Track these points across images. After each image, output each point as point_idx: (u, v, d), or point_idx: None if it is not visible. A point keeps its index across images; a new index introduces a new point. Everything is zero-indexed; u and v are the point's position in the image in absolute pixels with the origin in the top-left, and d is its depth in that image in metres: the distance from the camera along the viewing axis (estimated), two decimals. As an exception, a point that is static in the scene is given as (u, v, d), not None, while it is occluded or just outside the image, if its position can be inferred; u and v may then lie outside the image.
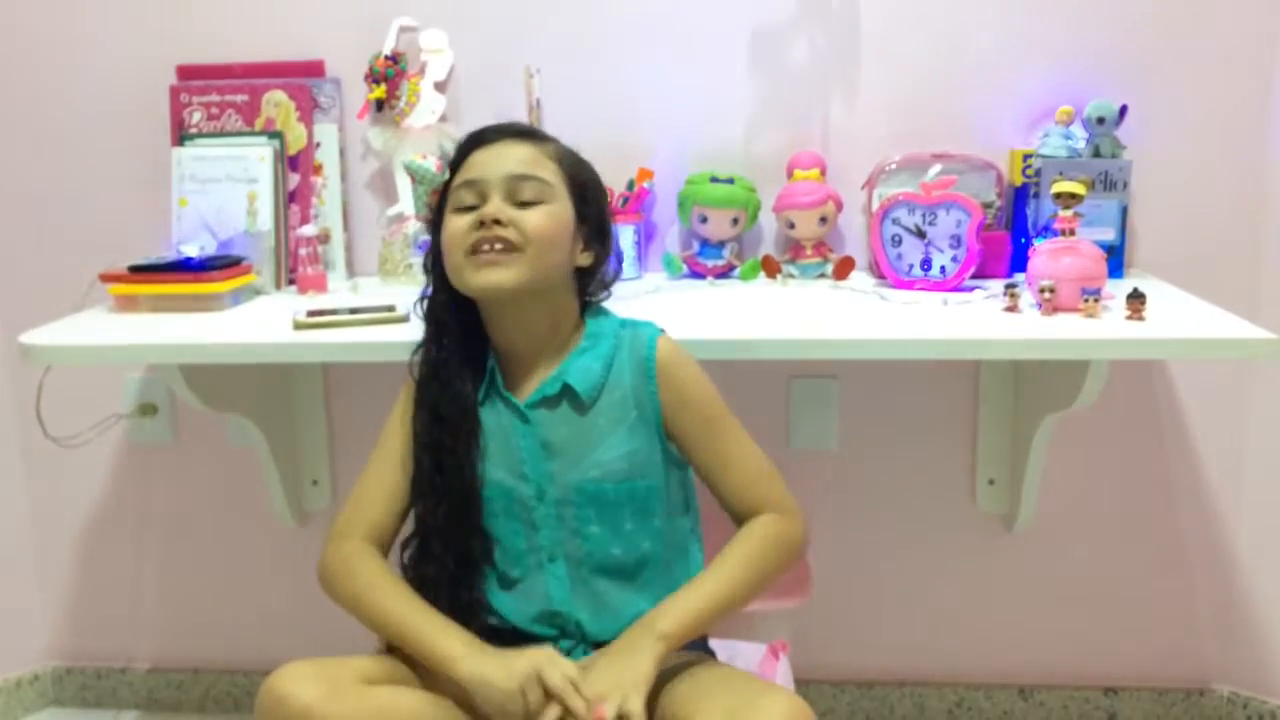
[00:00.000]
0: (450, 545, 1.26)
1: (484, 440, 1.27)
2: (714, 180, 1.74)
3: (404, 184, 1.78)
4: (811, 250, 1.74)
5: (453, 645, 1.18)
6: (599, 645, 1.26)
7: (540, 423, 1.26)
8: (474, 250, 1.22)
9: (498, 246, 1.21)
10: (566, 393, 1.26)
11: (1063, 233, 1.48)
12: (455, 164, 1.29)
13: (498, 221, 1.21)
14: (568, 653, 1.25)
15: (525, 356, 1.29)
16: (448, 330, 1.29)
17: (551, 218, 1.24)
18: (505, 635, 1.27)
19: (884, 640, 1.95)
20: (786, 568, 1.29)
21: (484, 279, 1.22)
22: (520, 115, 1.64)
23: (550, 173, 1.26)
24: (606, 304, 1.35)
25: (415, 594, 1.24)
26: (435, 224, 1.29)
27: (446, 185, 1.29)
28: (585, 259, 1.30)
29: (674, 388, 1.28)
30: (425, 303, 1.32)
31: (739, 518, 1.30)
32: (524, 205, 1.24)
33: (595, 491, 1.25)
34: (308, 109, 1.80)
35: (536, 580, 1.27)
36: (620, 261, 1.42)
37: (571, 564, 1.27)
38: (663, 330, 1.31)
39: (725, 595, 1.22)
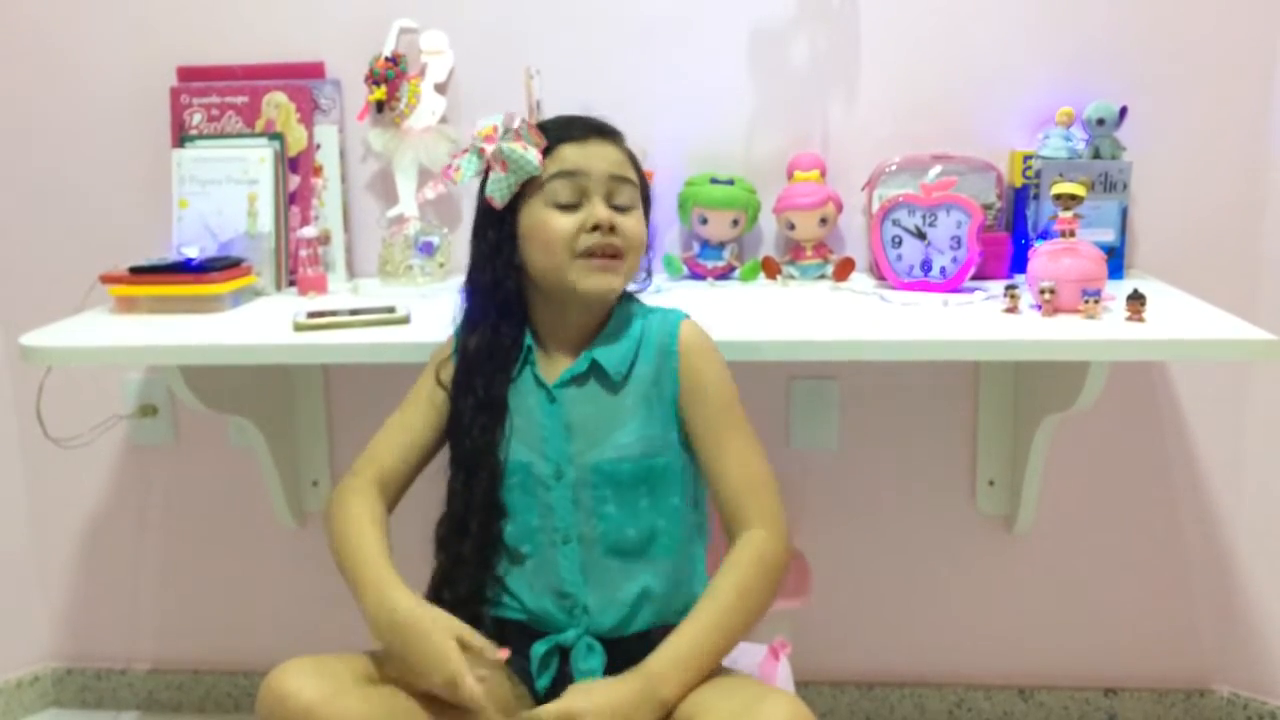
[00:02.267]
0: (479, 523, 1.28)
1: (509, 418, 1.29)
2: (714, 181, 1.74)
3: (404, 185, 1.79)
4: (811, 251, 1.74)
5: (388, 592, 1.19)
6: (600, 636, 1.26)
7: (566, 402, 1.28)
8: (585, 254, 1.25)
9: (609, 252, 1.25)
10: (595, 371, 1.28)
11: (1063, 234, 1.48)
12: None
13: (612, 228, 1.25)
14: (572, 643, 1.26)
15: (563, 338, 1.31)
16: (509, 317, 1.30)
17: (642, 223, 1.30)
18: (512, 626, 1.28)
19: (884, 640, 1.95)
20: (773, 594, 1.27)
21: (597, 284, 1.26)
22: (521, 116, 1.64)
23: (634, 176, 1.30)
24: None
25: (381, 538, 1.25)
26: (496, 212, 1.29)
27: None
28: None
29: (693, 370, 1.30)
30: (485, 288, 1.31)
31: (728, 519, 1.29)
32: (618, 208, 1.27)
33: (612, 471, 1.26)
34: (308, 110, 1.80)
35: (547, 559, 1.28)
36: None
37: (585, 545, 1.27)
38: (687, 315, 1.34)
39: (724, 644, 1.21)
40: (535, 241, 1.27)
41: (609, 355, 1.29)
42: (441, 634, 1.14)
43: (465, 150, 1.33)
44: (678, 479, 1.30)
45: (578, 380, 1.29)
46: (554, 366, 1.31)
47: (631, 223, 1.28)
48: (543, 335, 1.32)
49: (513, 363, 1.30)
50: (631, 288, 1.36)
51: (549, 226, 1.26)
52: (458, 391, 1.31)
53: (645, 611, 1.27)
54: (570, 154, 1.27)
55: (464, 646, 1.14)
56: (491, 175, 1.29)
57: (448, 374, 1.33)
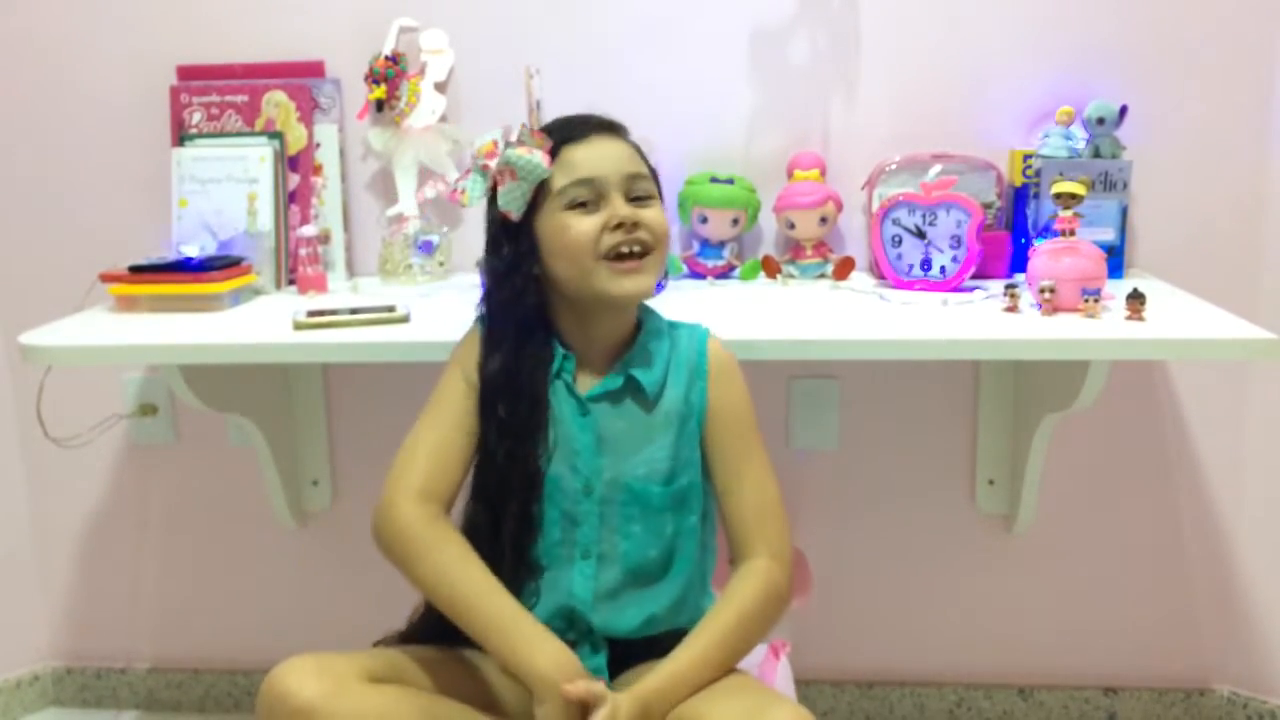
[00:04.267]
0: (510, 537, 1.24)
1: (549, 430, 1.26)
2: (714, 181, 1.74)
3: (404, 184, 1.79)
4: (811, 250, 1.74)
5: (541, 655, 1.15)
6: (608, 638, 1.26)
7: (599, 416, 1.26)
8: (612, 256, 1.21)
9: (636, 249, 1.22)
10: (631, 387, 1.26)
11: (1063, 233, 1.48)
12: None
13: (636, 224, 1.21)
14: (575, 647, 1.25)
15: (593, 350, 1.28)
16: (531, 334, 1.26)
17: (663, 214, 1.26)
18: None
19: (884, 640, 1.95)
20: (774, 624, 1.26)
21: (629, 287, 1.22)
22: (520, 115, 1.64)
23: (645, 168, 1.27)
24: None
25: (503, 588, 1.20)
26: (510, 225, 1.24)
27: (541, 181, 1.24)
28: None
29: (722, 392, 1.29)
30: (502, 305, 1.26)
31: (736, 544, 1.28)
32: (636, 202, 1.24)
33: (641, 490, 1.25)
34: (308, 109, 1.80)
35: (562, 574, 1.26)
36: None
37: (603, 564, 1.25)
38: (709, 331, 1.32)
39: (718, 670, 1.20)
40: (556, 249, 1.22)
41: (646, 372, 1.26)
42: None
43: (468, 171, 1.29)
44: (698, 497, 1.28)
45: (612, 396, 1.26)
46: (586, 378, 1.28)
47: (654, 214, 1.24)
48: (571, 344, 1.28)
49: (543, 376, 1.26)
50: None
51: (569, 231, 1.21)
52: (486, 411, 1.26)
53: (650, 627, 1.27)
54: (579, 157, 1.23)
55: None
56: (501, 188, 1.24)
57: (474, 373, 1.27)
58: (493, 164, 1.25)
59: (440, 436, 1.26)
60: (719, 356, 1.30)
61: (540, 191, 1.24)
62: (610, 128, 1.27)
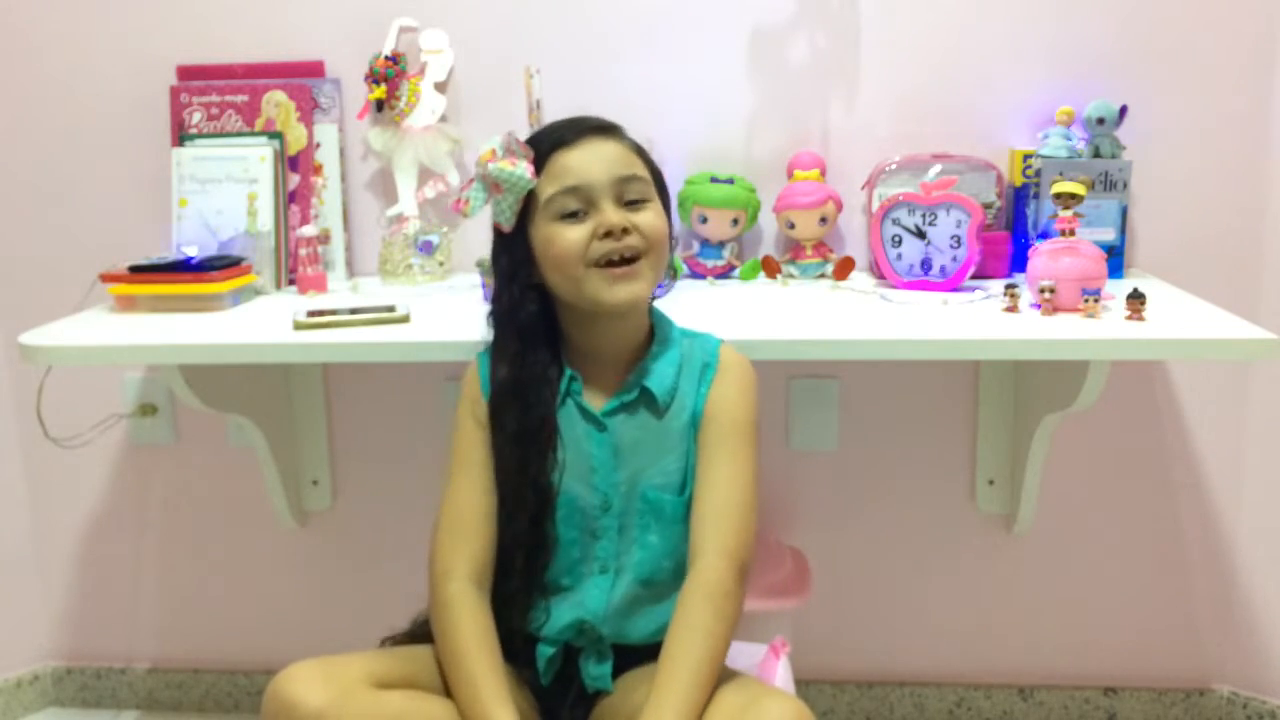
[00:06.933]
0: (524, 558, 1.23)
1: (560, 449, 1.24)
2: (714, 181, 1.74)
3: (404, 184, 1.79)
4: (811, 250, 1.74)
5: None
6: (614, 646, 1.26)
7: (616, 430, 1.25)
8: (602, 263, 1.19)
9: (628, 255, 1.19)
10: (644, 397, 1.25)
11: (1063, 233, 1.48)
12: (536, 166, 1.24)
13: (625, 230, 1.19)
14: (581, 655, 1.25)
15: (603, 362, 1.26)
16: (534, 342, 1.25)
17: (660, 216, 1.24)
18: (521, 640, 1.27)
19: (884, 640, 1.95)
20: (733, 623, 1.20)
21: (621, 294, 1.20)
22: (520, 115, 1.64)
23: (641, 168, 1.24)
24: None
25: (498, 665, 1.19)
26: (506, 234, 1.25)
27: (530, 190, 1.23)
28: None
29: (721, 393, 1.26)
30: (504, 314, 1.26)
31: (691, 540, 1.23)
32: (630, 205, 1.21)
33: (656, 500, 1.24)
34: (308, 109, 1.80)
35: (578, 589, 1.25)
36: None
37: (620, 576, 1.25)
38: (723, 340, 1.30)
39: (706, 692, 1.14)
40: (548, 260, 1.22)
41: (658, 381, 1.24)
42: None
43: (471, 180, 1.28)
44: None
45: (628, 408, 1.25)
46: (599, 393, 1.26)
47: (648, 218, 1.22)
48: (581, 360, 1.27)
49: (550, 391, 1.24)
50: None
51: (558, 241, 1.20)
52: (495, 425, 1.25)
53: (659, 635, 1.24)
54: (568, 162, 1.21)
55: None
56: (492, 199, 1.25)
57: (483, 412, 1.26)
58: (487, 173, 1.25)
59: (460, 506, 1.26)
60: (729, 360, 1.28)
61: (531, 201, 1.23)
62: (604, 129, 1.25)
